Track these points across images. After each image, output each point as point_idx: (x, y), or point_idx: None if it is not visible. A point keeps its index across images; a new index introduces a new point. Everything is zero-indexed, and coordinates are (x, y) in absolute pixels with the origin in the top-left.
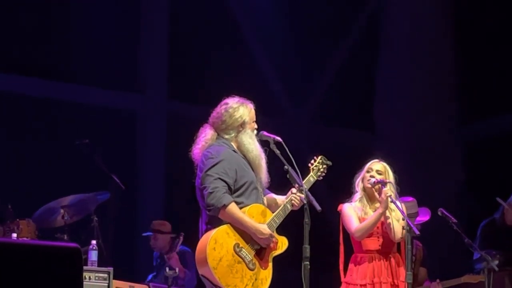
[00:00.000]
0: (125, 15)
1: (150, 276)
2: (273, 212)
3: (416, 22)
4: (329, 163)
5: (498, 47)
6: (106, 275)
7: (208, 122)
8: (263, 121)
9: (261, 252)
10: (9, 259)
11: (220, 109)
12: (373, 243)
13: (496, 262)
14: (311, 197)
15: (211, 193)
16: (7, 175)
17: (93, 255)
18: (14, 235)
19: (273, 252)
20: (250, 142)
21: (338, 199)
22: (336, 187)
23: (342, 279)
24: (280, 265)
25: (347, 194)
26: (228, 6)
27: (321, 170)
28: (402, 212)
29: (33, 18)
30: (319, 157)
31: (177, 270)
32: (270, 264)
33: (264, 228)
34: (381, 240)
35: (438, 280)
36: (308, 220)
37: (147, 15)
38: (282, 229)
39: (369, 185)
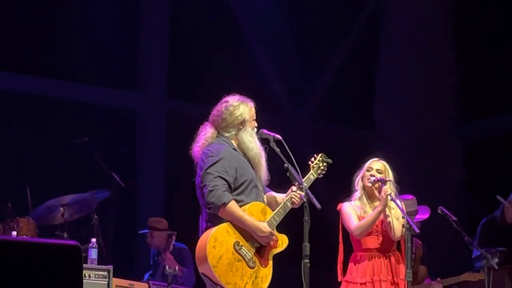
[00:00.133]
0: (125, 14)
1: (146, 275)
2: (273, 210)
3: (416, 22)
4: (329, 161)
5: (498, 47)
6: (106, 273)
7: (208, 120)
8: (263, 120)
9: (261, 250)
10: (9, 257)
11: (220, 107)
12: (373, 242)
13: (496, 260)
14: (311, 195)
15: (211, 191)
16: (7, 174)
17: (93, 253)
18: (14, 233)
19: (273, 250)
20: (250, 140)
21: (338, 198)
22: (336, 186)
23: (339, 278)
24: (280, 263)
25: (347, 192)
26: (228, 5)
27: (321, 168)
28: (402, 210)
29: (33, 17)
30: (319, 155)
31: (177, 268)
32: (270, 262)
33: (264, 226)
34: (380, 238)
35: (439, 279)
36: (308, 218)
37: (147, 14)
38: (282, 227)
39: (369, 184)
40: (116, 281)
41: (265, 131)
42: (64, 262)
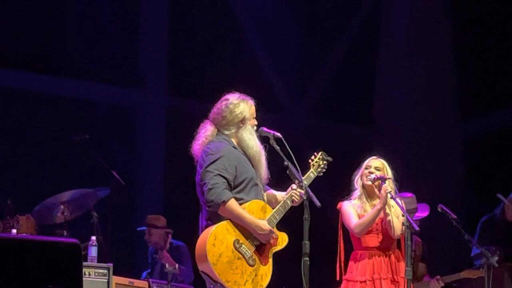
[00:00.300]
0: (125, 11)
1: (144, 274)
2: (273, 208)
3: (415, 20)
4: (330, 159)
5: (497, 44)
6: (105, 271)
7: (209, 118)
8: (263, 117)
9: (261, 248)
10: (9, 255)
11: (220, 105)
12: (373, 240)
13: (496, 258)
14: (311, 193)
15: (210, 189)
16: (7, 171)
17: (93, 251)
18: (14, 230)
19: (273, 248)
20: (250, 138)
21: (337, 195)
22: (336, 183)
23: (338, 277)
24: (280, 261)
25: (346, 190)
26: (228, 2)
27: (322, 166)
28: (402, 208)
29: (33, 13)
30: (320, 153)
31: (177, 266)
32: (270, 260)
33: (264, 224)
34: (380, 237)
35: (438, 277)
36: (307, 216)
37: (147, 11)
38: (282, 225)
39: (369, 182)
40: (116, 279)
41: (265, 129)
42: (64, 260)
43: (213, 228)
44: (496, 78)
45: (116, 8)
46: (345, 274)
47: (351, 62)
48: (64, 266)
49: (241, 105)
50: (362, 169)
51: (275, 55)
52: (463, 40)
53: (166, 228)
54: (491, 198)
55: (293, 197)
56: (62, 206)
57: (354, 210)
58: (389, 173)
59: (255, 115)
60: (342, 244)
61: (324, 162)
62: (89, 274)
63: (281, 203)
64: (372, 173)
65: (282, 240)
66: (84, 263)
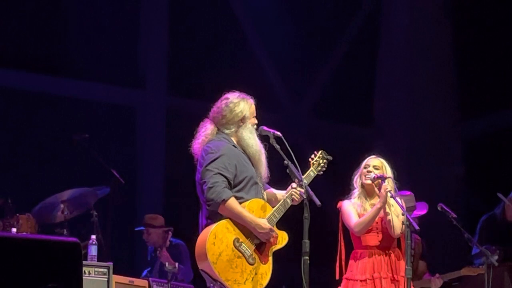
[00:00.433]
0: (125, 10)
1: (145, 272)
2: (273, 207)
3: (415, 20)
4: (330, 158)
5: (497, 44)
6: (105, 270)
7: (209, 117)
8: (263, 117)
9: (261, 246)
10: (9, 254)
11: (220, 104)
12: (373, 239)
13: (496, 257)
14: (311, 192)
15: (210, 188)
16: (7, 171)
17: (93, 250)
18: (14, 230)
19: (273, 246)
20: (250, 137)
21: (337, 194)
22: (336, 182)
23: (337, 276)
24: (280, 259)
25: (346, 189)
26: (227, 2)
27: (322, 165)
28: (402, 207)
29: (33, 13)
30: (320, 152)
31: (177, 265)
32: (270, 259)
33: (264, 223)
34: (380, 235)
35: (437, 275)
36: (307, 215)
37: (147, 11)
38: (282, 223)
39: (369, 181)
40: (116, 278)
41: (265, 127)
42: (64, 259)
43: (213, 226)
44: (496, 78)
45: (116, 8)
46: (345, 273)
47: (351, 62)
48: (64, 265)
49: (241, 104)
50: (361, 169)
51: (275, 55)
52: (463, 40)
53: (164, 227)
54: (491, 197)
55: (293, 196)
56: (62, 205)
57: (354, 209)
58: (388, 171)
59: (255, 114)
60: (342, 243)
61: (324, 161)
62: (89, 273)
63: (281, 202)
64: (371, 172)
65: (282, 238)
66: (84, 262)
